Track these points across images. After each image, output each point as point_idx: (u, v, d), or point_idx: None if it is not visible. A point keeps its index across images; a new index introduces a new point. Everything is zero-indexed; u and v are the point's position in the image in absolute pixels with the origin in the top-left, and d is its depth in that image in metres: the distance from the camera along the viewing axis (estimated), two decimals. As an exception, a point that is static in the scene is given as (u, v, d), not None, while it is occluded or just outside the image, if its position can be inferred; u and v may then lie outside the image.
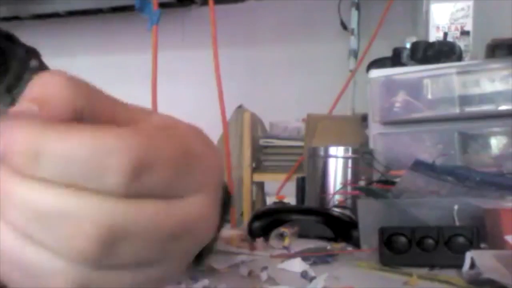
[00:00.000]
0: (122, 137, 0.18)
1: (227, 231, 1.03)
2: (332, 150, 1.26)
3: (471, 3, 1.60)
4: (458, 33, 1.60)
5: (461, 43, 1.55)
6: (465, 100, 1.28)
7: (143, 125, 0.21)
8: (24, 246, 0.18)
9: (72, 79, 0.21)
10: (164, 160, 0.19)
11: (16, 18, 3.10)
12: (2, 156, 0.18)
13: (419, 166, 0.93)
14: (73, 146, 0.18)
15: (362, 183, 1.20)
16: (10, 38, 0.55)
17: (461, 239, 0.73)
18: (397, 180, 1.00)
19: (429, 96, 1.33)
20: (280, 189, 2.02)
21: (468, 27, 1.60)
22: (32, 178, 0.18)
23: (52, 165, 0.18)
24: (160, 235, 0.19)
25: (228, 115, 2.05)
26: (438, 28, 1.62)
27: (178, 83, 2.96)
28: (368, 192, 1.03)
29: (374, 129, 1.39)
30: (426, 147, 1.30)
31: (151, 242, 0.19)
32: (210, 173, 0.22)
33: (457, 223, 0.80)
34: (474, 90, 1.28)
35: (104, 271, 0.19)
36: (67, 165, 0.18)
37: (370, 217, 0.88)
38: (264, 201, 2.27)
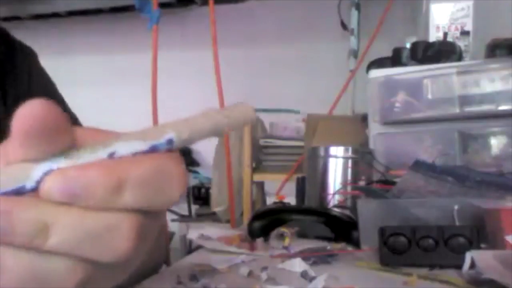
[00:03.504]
0: (101, 170, 0.23)
1: (227, 231, 1.03)
2: (332, 150, 1.26)
3: (471, 3, 1.60)
4: (458, 33, 1.60)
5: (461, 43, 1.55)
6: (465, 100, 1.28)
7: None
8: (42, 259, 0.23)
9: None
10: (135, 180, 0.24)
11: (16, 18, 3.11)
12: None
13: (419, 166, 0.93)
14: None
15: (362, 183, 1.20)
16: (6, 36, 0.55)
17: (461, 239, 0.73)
18: (397, 180, 1.00)
19: (429, 96, 1.33)
20: (280, 189, 2.02)
21: (468, 27, 1.60)
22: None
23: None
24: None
25: (228, 115, 2.05)
26: (438, 28, 1.62)
27: (178, 83, 2.96)
28: (368, 192, 1.03)
29: (374, 129, 1.39)
30: (426, 147, 1.30)
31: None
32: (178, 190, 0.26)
33: (457, 223, 0.80)
34: (474, 90, 1.28)
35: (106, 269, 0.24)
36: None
37: (370, 217, 0.88)
38: (264, 201, 2.27)
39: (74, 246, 0.22)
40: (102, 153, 0.24)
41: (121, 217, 0.23)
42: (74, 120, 0.59)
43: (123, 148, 0.24)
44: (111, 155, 0.24)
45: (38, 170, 0.23)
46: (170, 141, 0.25)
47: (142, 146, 0.25)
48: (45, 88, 0.58)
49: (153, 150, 0.25)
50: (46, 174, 0.23)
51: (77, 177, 0.22)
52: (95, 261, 0.23)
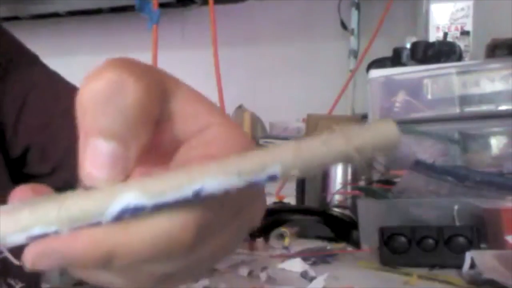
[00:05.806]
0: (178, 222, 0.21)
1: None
2: (332, 150, 1.26)
3: (471, 3, 1.60)
4: (458, 33, 1.60)
5: (461, 43, 1.55)
6: (465, 100, 1.28)
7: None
8: None
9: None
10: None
11: (16, 18, 3.11)
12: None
13: (419, 166, 0.93)
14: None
15: (362, 183, 1.20)
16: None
17: (461, 239, 0.73)
18: (397, 180, 1.00)
19: (429, 96, 1.33)
20: (280, 189, 2.02)
21: (468, 27, 1.60)
22: None
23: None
24: None
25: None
26: (438, 28, 1.62)
27: (178, 83, 2.96)
28: (368, 192, 1.03)
29: (374, 129, 1.39)
30: (426, 147, 1.31)
31: None
32: None
33: (457, 223, 0.80)
34: (474, 90, 1.28)
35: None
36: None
37: (370, 217, 0.88)
38: (264, 201, 2.27)
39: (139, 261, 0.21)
40: (186, 190, 0.20)
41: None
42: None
43: (212, 184, 0.20)
44: (197, 194, 0.20)
45: (115, 206, 0.20)
46: (273, 177, 0.20)
47: (236, 181, 0.20)
48: (49, 78, 0.57)
49: (250, 187, 0.20)
50: (124, 211, 0.20)
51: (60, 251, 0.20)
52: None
